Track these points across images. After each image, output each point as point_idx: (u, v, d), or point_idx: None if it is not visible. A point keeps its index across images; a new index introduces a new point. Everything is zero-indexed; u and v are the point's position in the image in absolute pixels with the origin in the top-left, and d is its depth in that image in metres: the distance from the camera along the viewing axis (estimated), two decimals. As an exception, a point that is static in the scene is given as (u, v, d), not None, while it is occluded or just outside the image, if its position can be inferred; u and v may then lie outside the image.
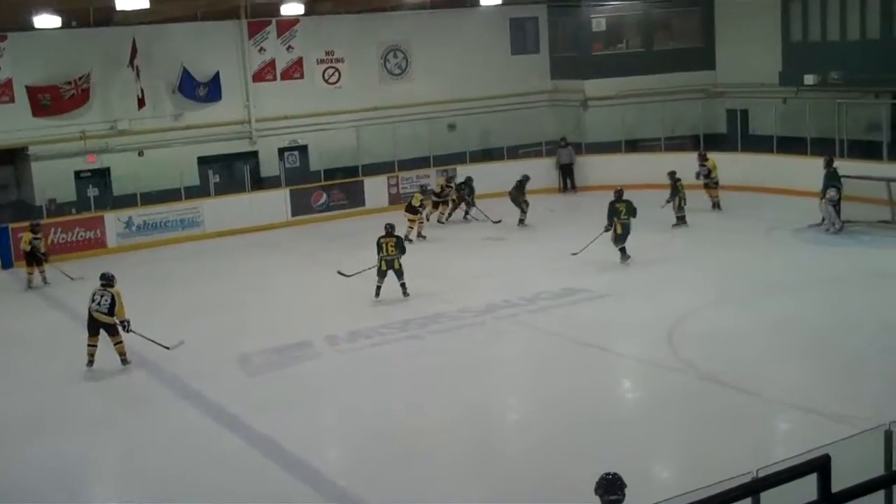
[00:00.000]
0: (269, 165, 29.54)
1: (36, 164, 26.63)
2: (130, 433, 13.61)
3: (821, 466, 6.79)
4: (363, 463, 12.27)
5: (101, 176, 27.39)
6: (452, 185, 27.20)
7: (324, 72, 30.72)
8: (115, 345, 15.85)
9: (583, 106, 32.46)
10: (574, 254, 20.87)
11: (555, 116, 32.69)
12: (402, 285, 19.14)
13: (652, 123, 30.38)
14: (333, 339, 17.05)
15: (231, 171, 29.06)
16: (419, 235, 24.83)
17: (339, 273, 20.25)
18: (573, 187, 30.45)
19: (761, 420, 12.81)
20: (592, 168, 30.32)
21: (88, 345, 15.82)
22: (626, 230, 20.60)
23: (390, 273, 19.06)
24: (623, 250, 20.70)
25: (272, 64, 29.82)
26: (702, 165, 25.70)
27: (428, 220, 26.04)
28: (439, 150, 30.48)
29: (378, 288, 19.11)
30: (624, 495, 7.02)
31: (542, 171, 29.48)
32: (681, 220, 24.24)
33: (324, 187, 28.84)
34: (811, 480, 6.76)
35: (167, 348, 16.04)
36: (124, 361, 15.93)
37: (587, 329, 16.85)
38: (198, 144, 28.55)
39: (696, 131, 29.91)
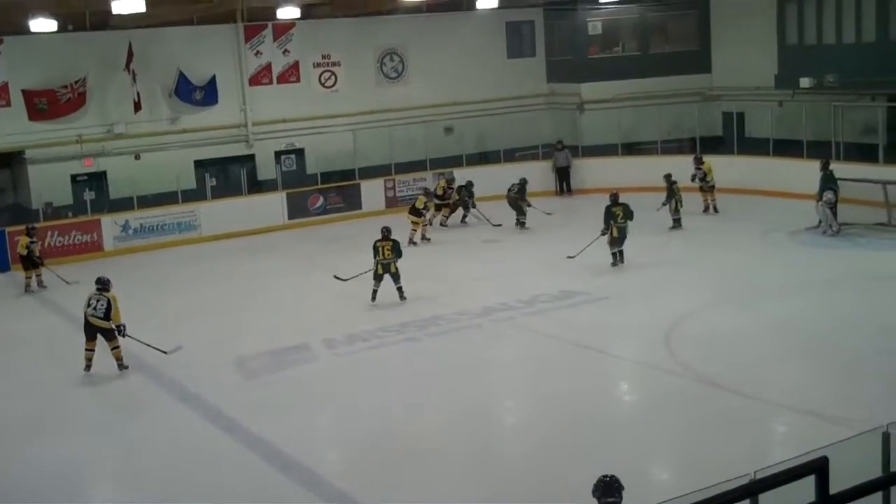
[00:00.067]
0: (266, 169, 29.54)
1: (32, 168, 26.62)
2: (128, 436, 13.62)
3: (818, 468, 6.79)
4: (361, 465, 12.29)
5: (98, 179, 27.37)
6: (454, 186, 27.14)
7: (320, 75, 30.73)
8: (112, 350, 15.80)
9: (579, 109, 32.50)
10: (570, 257, 20.90)
11: (551, 120, 32.71)
12: (399, 289, 19.10)
13: (648, 127, 30.41)
14: (331, 342, 17.05)
15: (227, 175, 29.06)
16: (423, 238, 24.83)
17: (336, 277, 20.25)
18: (569, 190, 30.46)
19: (759, 422, 12.83)
20: (589, 171, 30.31)
21: (86, 349, 15.78)
22: (623, 234, 20.61)
23: (386, 277, 19.02)
24: (616, 254, 20.64)
25: (268, 68, 29.83)
26: (697, 169, 25.70)
27: (431, 223, 26.01)
28: (436, 154, 30.47)
29: (374, 292, 19.08)
30: (621, 497, 7.03)
31: (538, 174, 29.45)
32: (677, 222, 24.26)
33: (320, 190, 28.83)
34: (809, 482, 6.77)
35: (165, 353, 16.01)
36: (121, 367, 15.87)
37: (585, 331, 16.87)
38: (194, 148, 28.55)
39: (693, 134, 29.94)
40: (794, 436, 12.32)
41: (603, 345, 16.38)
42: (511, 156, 31.03)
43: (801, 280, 19.20)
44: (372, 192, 29.31)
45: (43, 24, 22.96)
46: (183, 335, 17.40)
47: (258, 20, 29.25)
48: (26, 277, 22.19)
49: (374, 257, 19.08)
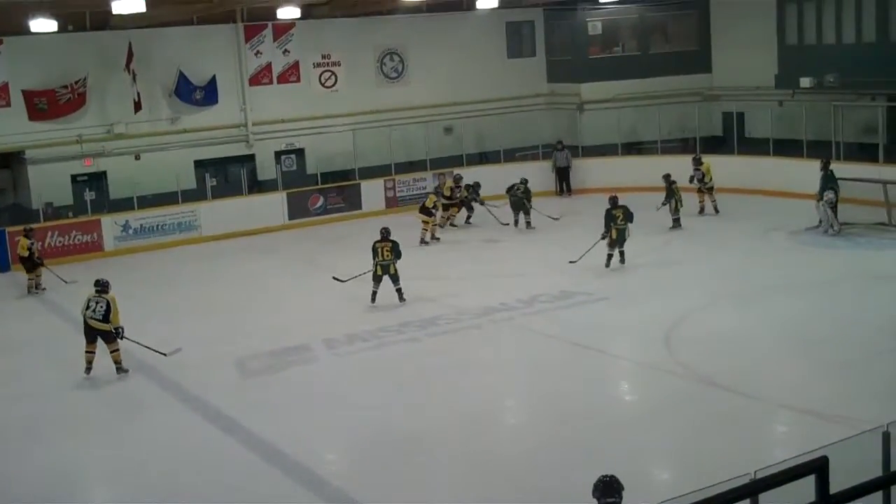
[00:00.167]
0: (266, 169, 29.54)
1: (32, 168, 26.62)
2: (129, 436, 13.61)
3: (819, 468, 6.79)
4: (361, 465, 12.29)
5: (98, 179, 27.37)
6: (461, 185, 27.05)
7: (320, 75, 30.74)
8: (111, 353, 15.70)
9: (579, 109, 32.49)
10: (572, 262, 20.73)
11: (551, 120, 32.69)
12: (398, 290, 19.02)
13: (648, 127, 30.44)
14: (331, 342, 17.06)
15: (228, 175, 29.06)
16: (433, 237, 24.80)
17: (335, 279, 20.22)
18: (569, 190, 30.44)
19: (759, 421, 12.82)
20: (589, 171, 30.32)
21: (86, 352, 15.69)
22: (622, 236, 20.54)
23: (386, 278, 18.97)
24: (611, 256, 20.56)
25: (268, 67, 29.84)
26: (696, 169, 25.66)
27: (441, 225, 25.95)
28: (436, 154, 30.49)
29: (374, 293, 19.02)
30: (622, 497, 7.02)
31: (538, 174, 29.43)
32: (676, 222, 24.25)
33: (321, 190, 28.85)
34: (809, 482, 6.77)
35: (164, 355, 15.99)
36: (119, 370, 15.76)
37: (585, 332, 16.87)
38: (194, 148, 28.55)
39: (693, 134, 29.94)
40: (795, 435, 12.33)
41: (603, 345, 16.39)
42: (511, 156, 31.03)
43: (801, 280, 19.20)
44: (372, 192, 29.33)
45: (43, 25, 22.91)
46: (183, 335, 17.43)
47: (258, 20, 29.26)
48: (28, 279, 22.15)
49: (374, 258, 19.02)
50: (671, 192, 24.19)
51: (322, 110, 30.27)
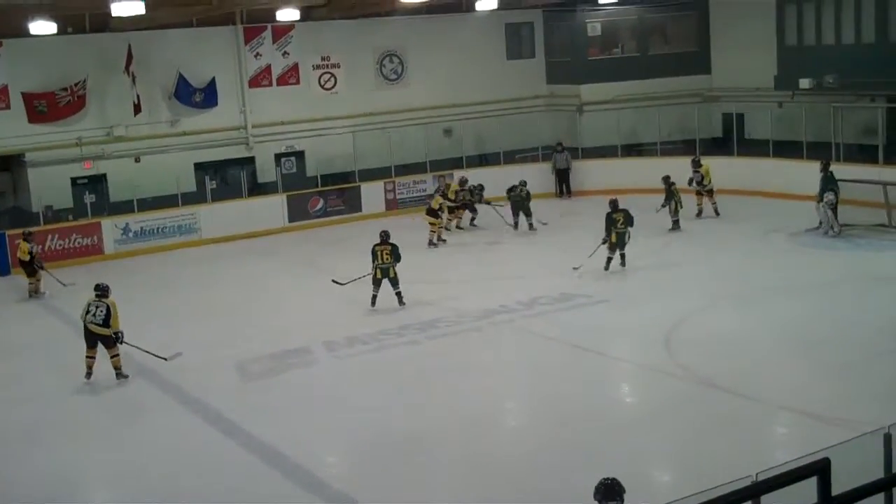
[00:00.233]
0: (266, 171, 29.53)
1: (32, 171, 26.60)
2: (129, 440, 13.60)
3: (820, 470, 6.78)
4: (362, 467, 12.31)
5: (98, 182, 27.35)
6: (466, 188, 26.98)
7: (320, 77, 30.73)
8: (111, 357, 15.62)
9: (579, 111, 32.49)
10: (575, 268, 20.64)
11: (550, 121, 32.68)
12: (398, 294, 18.95)
13: (648, 128, 30.43)
14: (331, 344, 17.05)
15: (228, 177, 29.05)
16: (439, 239, 24.79)
17: (334, 282, 20.17)
18: (569, 192, 30.42)
19: (760, 423, 12.83)
20: (588, 173, 30.30)
21: (87, 357, 15.61)
22: (622, 239, 20.48)
23: (385, 281, 18.90)
24: (610, 260, 20.51)
25: (268, 70, 29.84)
26: (695, 172, 25.57)
27: (448, 229, 25.90)
28: (436, 156, 30.49)
29: (374, 297, 18.94)
30: (623, 501, 7.02)
31: (538, 176, 29.42)
32: (675, 224, 24.23)
33: (320, 193, 28.84)
34: (811, 484, 6.76)
35: (164, 359, 15.96)
36: (119, 375, 15.67)
37: (585, 334, 16.86)
38: (194, 150, 28.53)
39: (692, 136, 29.92)
40: (795, 437, 12.35)
41: (603, 347, 16.40)
42: (511, 158, 30.99)
43: (801, 281, 19.20)
44: (372, 194, 29.31)
45: (42, 27, 22.88)
46: (183, 338, 17.43)
47: (257, 22, 29.26)
48: (29, 284, 22.07)
49: (373, 262, 18.96)
50: (670, 193, 24.17)
51: (322, 112, 30.27)
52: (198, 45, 28.57)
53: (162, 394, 15.30)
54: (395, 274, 18.90)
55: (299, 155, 30.27)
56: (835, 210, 22.36)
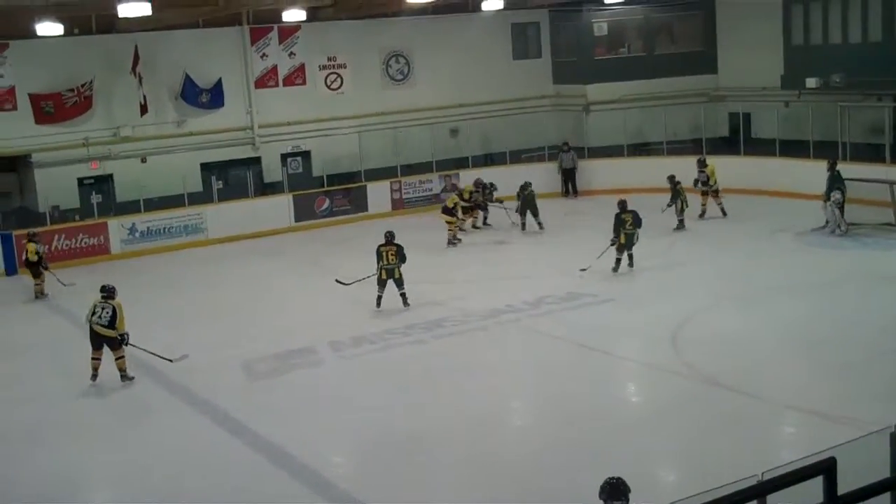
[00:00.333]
0: (272, 171, 29.56)
1: (39, 172, 26.64)
2: (135, 439, 13.63)
3: (826, 469, 6.76)
4: (368, 467, 12.32)
5: (105, 182, 27.39)
6: (480, 189, 26.80)
7: (326, 78, 30.75)
8: (116, 359, 15.58)
9: (585, 110, 32.46)
10: (583, 269, 20.59)
11: (557, 121, 32.65)
12: (402, 295, 18.89)
13: (654, 128, 30.41)
14: (337, 344, 17.05)
15: (234, 178, 29.06)
16: (455, 238, 24.76)
17: (338, 282, 20.15)
18: (575, 192, 30.39)
19: (765, 422, 12.81)
20: (595, 172, 30.29)
21: (92, 359, 15.56)
22: (630, 240, 20.43)
23: (390, 282, 18.86)
24: (619, 261, 20.47)
25: (274, 70, 29.86)
26: (701, 172, 25.47)
27: (463, 229, 25.77)
28: (442, 156, 30.50)
29: (379, 298, 18.88)
30: (628, 500, 7.01)
31: (544, 175, 29.42)
32: (681, 223, 24.20)
33: (326, 193, 28.85)
34: (817, 483, 6.75)
35: (170, 361, 15.95)
36: (124, 377, 15.61)
37: (591, 333, 16.85)
38: (201, 151, 28.55)
39: (699, 135, 29.87)
40: (800, 436, 12.34)
41: (609, 346, 16.39)
42: (517, 157, 30.97)
43: (807, 280, 19.17)
44: (378, 194, 29.32)
45: (49, 28, 22.96)
46: (189, 338, 17.47)
47: (264, 23, 29.28)
48: (35, 284, 22.06)
49: (378, 262, 18.88)
50: (676, 193, 24.13)
51: (328, 113, 30.29)
52: (204, 46, 28.61)
53: (167, 394, 15.31)
54: (401, 275, 18.84)
55: (305, 155, 30.30)
56: (842, 209, 22.32)
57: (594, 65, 33.04)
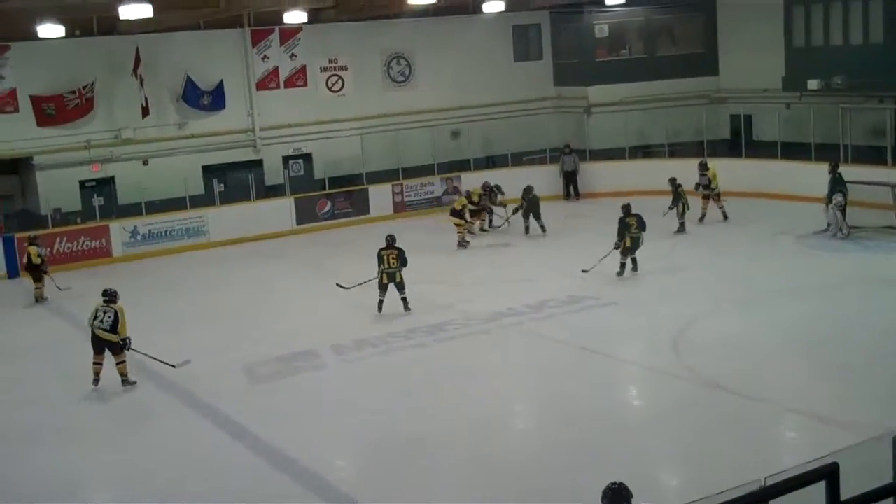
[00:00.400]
0: (274, 174, 29.56)
1: (41, 174, 26.65)
2: (137, 442, 13.63)
3: (829, 474, 6.76)
4: (370, 470, 12.34)
5: (106, 185, 27.38)
6: (487, 192, 26.74)
7: (327, 80, 30.75)
8: (117, 364, 15.50)
9: (586, 112, 32.45)
10: (584, 271, 20.54)
11: (558, 123, 32.64)
12: (404, 299, 18.78)
13: (656, 130, 30.39)
14: (340, 347, 17.06)
15: (236, 180, 29.02)
16: (465, 240, 24.71)
17: (338, 285, 20.12)
18: (576, 194, 30.37)
19: (768, 426, 12.81)
20: (596, 175, 30.26)
21: (94, 363, 15.49)
22: (636, 244, 20.40)
23: (391, 286, 18.74)
24: (624, 265, 20.40)
25: (276, 72, 29.87)
26: (702, 175, 25.38)
27: (472, 232, 25.75)
28: (443, 158, 30.51)
29: (380, 302, 18.79)
30: (630, 504, 7.00)
31: (545, 178, 29.40)
32: (682, 226, 24.17)
33: (328, 195, 28.84)
34: (819, 488, 6.75)
35: (173, 366, 15.93)
36: (125, 382, 15.55)
37: (593, 336, 16.84)
38: (202, 153, 28.53)
39: (700, 137, 29.83)
40: (802, 439, 12.36)
41: (611, 349, 16.37)
42: (518, 160, 30.94)
43: (809, 284, 19.14)
44: (380, 196, 29.31)
45: (50, 30, 22.95)
46: (191, 341, 17.48)
47: (265, 25, 29.28)
48: (36, 288, 22.01)
49: (379, 266, 18.78)
50: (677, 195, 24.10)
51: (329, 115, 30.29)
52: (205, 48, 28.64)
53: (169, 397, 15.30)
54: (402, 279, 18.75)
55: (307, 157, 30.28)
56: (843, 212, 22.31)
57: (595, 67, 33.04)
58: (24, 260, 22.48)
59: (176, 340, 17.35)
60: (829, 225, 22.65)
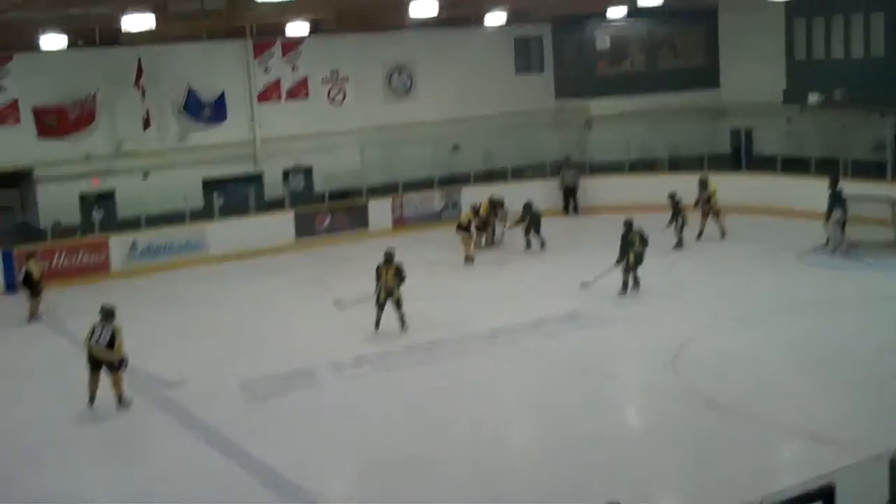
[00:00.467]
0: (274, 188, 29.45)
1: (41, 187, 26.58)
2: (132, 460, 13.59)
3: (826, 494, 6.77)
4: (367, 488, 12.33)
5: (107, 198, 27.27)
6: (493, 207, 26.59)
7: (328, 91, 30.74)
8: (113, 384, 15.24)
9: (587, 125, 32.40)
10: (585, 282, 20.52)
11: (559, 136, 32.59)
12: (401, 317, 18.57)
13: (657, 143, 30.33)
14: (337, 364, 17.02)
15: (236, 194, 28.90)
16: (471, 255, 24.57)
17: (336, 305, 19.95)
18: (576, 210, 30.26)
19: (766, 445, 12.77)
20: (596, 190, 30.16)
21: (90, 382, 15.29)
22: (639, 260, 20.32)
23: (389, 303, 18.52)
24: (627, 284, 20.32)
25: (277, 84, 29.86)
26: (702, 191, 25.16)
27: (480, 245, 25.60)
28: (443, 171, 30.47)
29: (378, 319, 18.61)
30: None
31: (546, 192, 29.32)
32: (679, 242, 24.09)
33: (328, 210, 28.72)
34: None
35: (170, 384, 15.86)
36: (122, 401, 15.31)
37: (590, 354, 16.84)
38: (203, 167, 28.38)
39: (701, 151, 29.67)
40: (800, 458, 12.37)
41: (609, 367, 16.35)
42: (519, 173, 30.83)
43: (809, 301, 19.12)
44: (379, 211, 29.25)
45: (52, 41, 22.99)
46: (189, 357, 17.46)
47: (267, 36, 29.29)
48: (33, 304, 21.67)
49: (377, 282, 18.63)
50: (677, 211, 24.03)
51: (330, 126, 30.25)
52: (207, 60, 28.65)
53: (166, 414, 15.24)
54: (400, 296, 18.56)
55: (307, 171, 30.17)
56: (843, 228, 22.25)
57: (597, 79, 33.02)
58: (22, 275, 21.92)
59: (175, 356, 17.33)
60: (828, 241, 22.59)
